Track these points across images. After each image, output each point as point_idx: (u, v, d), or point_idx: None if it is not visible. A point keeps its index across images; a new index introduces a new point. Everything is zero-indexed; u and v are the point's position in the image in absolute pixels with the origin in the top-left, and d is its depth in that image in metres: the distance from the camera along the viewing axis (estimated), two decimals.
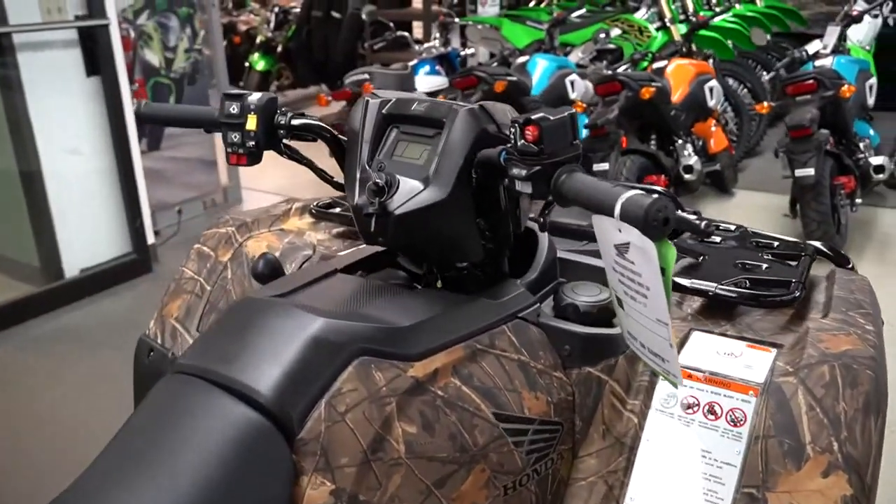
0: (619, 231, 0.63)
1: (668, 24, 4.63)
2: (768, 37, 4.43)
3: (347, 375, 0.71)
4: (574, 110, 0.72)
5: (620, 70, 3.92)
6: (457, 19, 5.11)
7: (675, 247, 0.65)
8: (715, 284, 0.95)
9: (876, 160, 3.58)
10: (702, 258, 1.05)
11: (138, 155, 3.46)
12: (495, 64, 4.46)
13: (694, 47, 4.31)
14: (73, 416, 2.43)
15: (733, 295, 0.94)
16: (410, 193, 0.83)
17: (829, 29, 3.84)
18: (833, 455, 0.75)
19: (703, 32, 4.44)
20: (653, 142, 3.79)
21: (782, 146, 3.18)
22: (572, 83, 3.99)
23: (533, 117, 0.71)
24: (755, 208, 4.14)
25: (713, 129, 3.99)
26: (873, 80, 3.74)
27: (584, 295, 0.91)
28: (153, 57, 3.92)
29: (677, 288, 0.96)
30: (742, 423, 0.81)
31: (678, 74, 3.81)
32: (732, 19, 4.88)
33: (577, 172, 0.70)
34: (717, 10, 5.03)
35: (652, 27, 4.76)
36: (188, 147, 4.22)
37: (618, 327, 0.89)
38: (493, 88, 3.64)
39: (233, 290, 1.19)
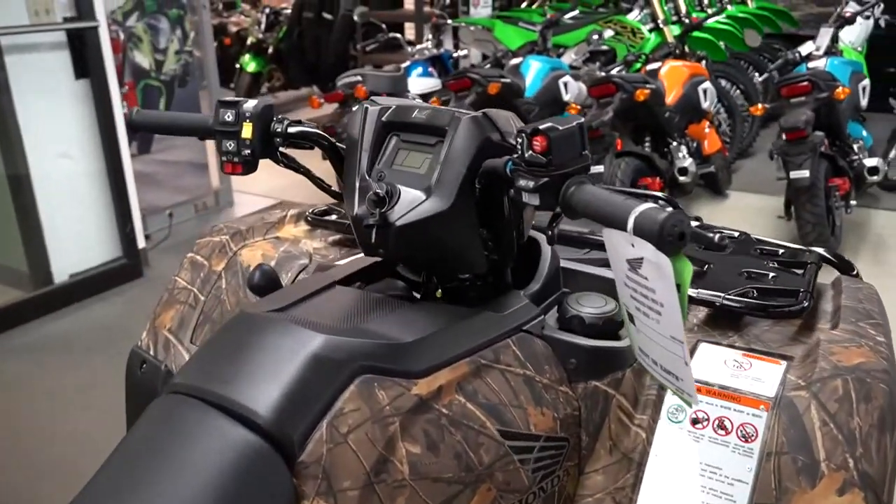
0: (632, 246, 0.61)
1: (661, 26, 4.63)
2: (761, 38, 4.43)
3: (349, 395, 0.69)
4: (582, 119, 0.70)
5: (614, 72, 3.91)
6: (449, 21, 5.09)
7: None
8: (722, 294, 0.93)
9: (870, 162, 3.58)
10: (707, 267, 1.03)
11: (128, 158, 3.43)
12: (488, 66, 4.44)
13: (686, 49, 4.30)
14: (63, 426, 2.39)
15: (741, 306, 0.92)
16: (412, 204, 0.80)
17: (821, 30, 3.84)
18: (849, 472, 0.73)
19: (695, 34, 4.44)
20: (647, 144, 3.78)
21: (777, 148, 3.18)
22: (566, 85, 3.97)
23: (541, 127, 0.68)
24: (749, 210, 4.14)
25: (707, 130, 3.98)
26: (866, 82, 3.75)
27: (589, 306, 0.88)
28: (143, 59, 3.87)
29: None
30: (753, 438, 0.79)
31: (672, 76, 3.80)
32: (725, 21, 4.88)
33: (587, 184, 0.68)
34: (710, 11, 5.03)
35: (645, 28, 4.75)
36: (179, 150, 4.18)
37: (624, 340, 0.87)
38: (487, 90, 3.62)
39: (227, 300, 1.17)
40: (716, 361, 0.86)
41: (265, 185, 4.59)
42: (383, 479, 0.69)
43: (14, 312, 3.03)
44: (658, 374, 0.69)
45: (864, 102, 3.73)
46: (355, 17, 5.35)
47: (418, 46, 4.87)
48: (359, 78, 4.15)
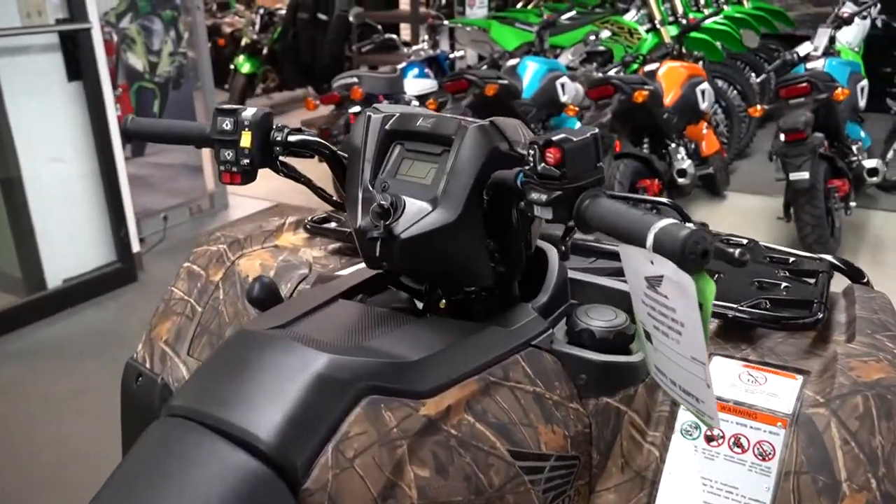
0: (652, 263, 0.58)
1: (657, 27, 4.61)
2: (759, 39, 4.42)
3: (355, 417, 0.66)
4: (596, 130, 0.67)
5: (611, 73, 3.89)
6: (446, 21, 5.06)
7: None
8: (734, 306, 0.91)
9: (869, 163, 3.57)
10: (717, 276, 1.01)
11: (122, 161, 3.39)
12: (485, 67, 4.41)
13: (684, 49, 4.29)
14: (57, 432, 2.36)
15: (754, 318, 0.90)
16: (417, 215, 0.78)
17: (819, 31, 3.83)
18: (871, 493, 0.71)
19: (692, 34, 4.42)
20: (645, 145, 3.76)
21: (776, 149, 3.16)
22: (563, 86, 3.95)
23: (554, 138, 0.66)
24: (748, 212, 4.12)
25: (705, 131, 3.96)
26: (864, 83, 3.74)
27: (599, 319, 0.86)
28: (137, 61, 3.84)
29: None
30: (771, 456, 0.77)
31: (670, 77, 3.78)
32: (722, 21, 4.86)
33: (602, 197, 0.66)
34: (707, 12, 5.01)
35: (642, 29, 4.73)
36: (173, 153, 4.14)
37: (636, 355, 0.84)
38: (484, 92, 3.60)
39: (225, 311, 1.14)
40: (730, 375, 0.84)
41: (261, 188, 4.55)
42: None
43: (7, 318, 2.99)
44: (676, 394, 0.66)
45: (862, 103, 3.72)
46: (350, 18, 5.32)
47: (414, 47, 4.84)
48: (355, 79, 4.12)
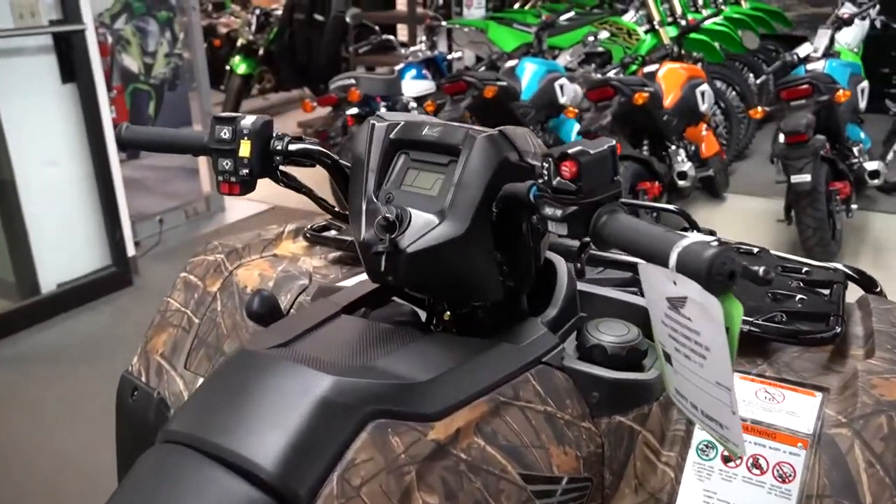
0: (674, 283, 0.55)
1: (656, 27, 4.59)
2: (758, 40, 4.40)
3: (362, 443, 0.63)
4: (614, 142, 0.64)
5: (610, 74, 3.86)
6: (443, 22, 5.03)
7: None
8: (749, 319, 0.88)
9: (870, 165, 3.54)
10: None
11: (117, 164, 3.35)
12: (483, 68, 4.38)
13: (682, 50, 4.26)
14: (50, 439, 2.32)
15: (770, 332, 0.87)
16: (424, 229, 0.75)
17: (819, 32, 3.81)
18: None
19: (691, 35, 4.40)
20: (645, 147, 3.73)
21: (777, 152, 3.14)
22: (562, 87, 3.92)
23: (570, 151, 0.63)
24: (748, 214, 4.10)
25: (704, 133, 3.94)
26: (865, 84, 3.72)
27: (611, 334, 0.83)
28: (132, 62, 3.80)
29: None
30: (791, 479, 0.74)
31: (670, 79, 3.76)
32: (721, 22, 4.84)
33: (620, 213, 0.63)
34: (706, 13, 4.99)
35: (640, 30, 4.71)
36: (169, 155, 4.09)
37: (650, 372, 0.82)
38: (483, 94, 3.56)
39: (223, 323, 1.11)
40: (746, 393, 0.81)
41: (258, 191, 4.51)
42: None
43: (0, 323, 2.95)
44: (698, 418, 0.64)
45: (862, 104, 3.70)
46: (347, 19, 5.28)
47: (412, 48, 4.81)
48: (352, 81, 4.09)
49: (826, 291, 0.97)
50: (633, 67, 4.07)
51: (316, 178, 0.95)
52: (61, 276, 3.20)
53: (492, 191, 0.74)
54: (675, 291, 0.56)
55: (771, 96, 4.08)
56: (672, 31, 4.55)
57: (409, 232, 0.75)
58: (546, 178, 0.65)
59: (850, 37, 4.15)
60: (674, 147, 3.73)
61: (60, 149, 3.15)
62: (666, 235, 0.56)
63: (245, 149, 0.86)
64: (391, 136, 0.81)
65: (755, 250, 1.10)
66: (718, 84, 4.65)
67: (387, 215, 0.74)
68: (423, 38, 4.88)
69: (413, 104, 4.31)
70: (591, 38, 4.32)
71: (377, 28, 5.12)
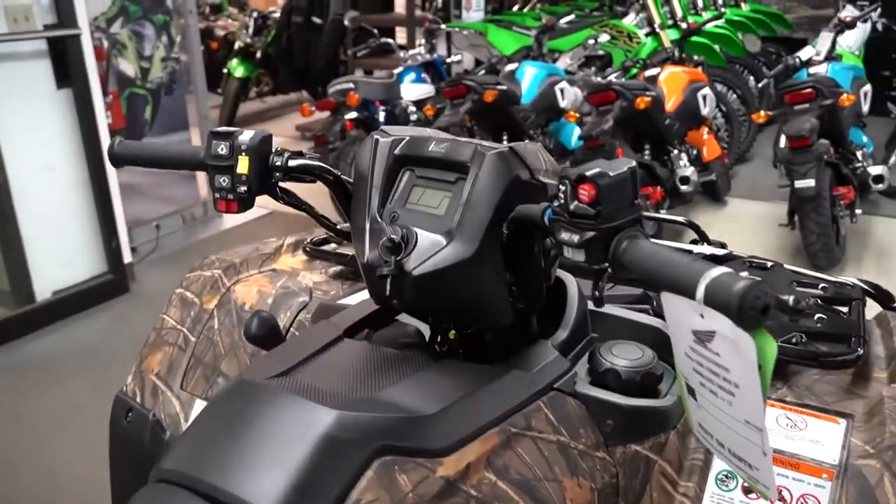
0: (701, 316, 0.52)
1: (657, 30, 4.56)
2: (760, 43, 4.37)
3: (367, 482, 0.60)
4: (634, 163, 0.60)
5: (611, 77, 3.83)
6: (442, 25, 5.00)
7: None
8: None
9: (875, 170, 3.51)
10: None
11: (113, 169, 3.31)
12: (482, 71, 4.35)
13: (684, 54, 4.24)
14: (46, 448, 2.28)
15: (789, 354, 0.83)
16: (431, 250, 0.71)
17: (822, 35, 3.78)
18: None
19: (693, 38, 4.37)
20: (646, 152, 3.70)
21: (781, 156, 3.11)
22: (562, 91, 3.89)
23: (588, 174, 0.59)
24: (750, 218, 4.07)
25: (706, 137, 3.91)
26: (868, 87, 3.69)
27: (624, 358, 0.79)
28: (128, 67, 3.75)
29: None
30: None
31: (671, 82, 3.73)
32: (722, 25, 4.82)
33: (641, 238, 0.59)
34: (707, 15, 4.97)
35: (641, 33, 4.68)
36: None
37: (666, 399, 0.78)
38: (483, 98, 3.53)
39: (220, 341, 1.07)
40: (767, 419, 0.77)
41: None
42: None
43: None
44: (724, 456, 0.60)
45: (865, 108, 3.67)
46: (345, 22, 5.23)
47: (411, 52, 4.78)
48: (351, 85, 4.05)
49: (845, 309, 0.94)
50: (634, 71, 4.04)
51: (316, 190, 0.91)
52: (57, 283, 3.16)
53: (502, 210, 0.70)
54: (702, 325, 0.52)
55: (772, 100, 4.05)
56: (673, 34, 4.52)
57: (415, 253, 0.71)
58: (563, 200, 0.62)
59: (852, 40, 4.12)
60: (676, 151, 3.70)
61: (56, 154, 3.11)
62: (693, 266, 0.53)
63: (243, 165, 0.83)
64: (396, 151, 0.77)
65: (769, 264, 1.07)
66: (719, 87, 4.63)
67: (392, 236, 0.71)
68: (422, 41, 4.85)
69: (412, 108, 4.28)
70: (591, 42, 4.29)
71: (376, 31, 5.09)
